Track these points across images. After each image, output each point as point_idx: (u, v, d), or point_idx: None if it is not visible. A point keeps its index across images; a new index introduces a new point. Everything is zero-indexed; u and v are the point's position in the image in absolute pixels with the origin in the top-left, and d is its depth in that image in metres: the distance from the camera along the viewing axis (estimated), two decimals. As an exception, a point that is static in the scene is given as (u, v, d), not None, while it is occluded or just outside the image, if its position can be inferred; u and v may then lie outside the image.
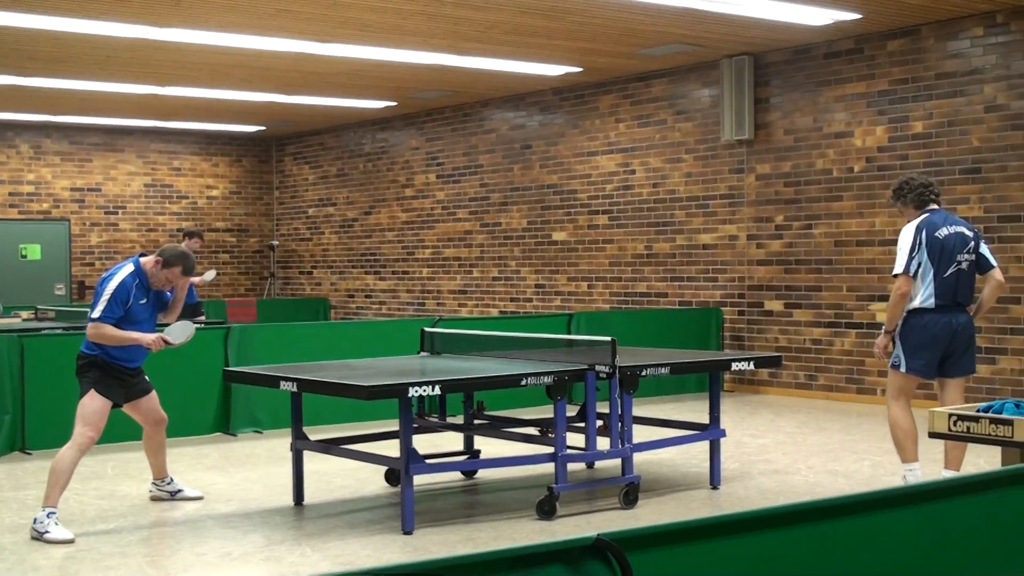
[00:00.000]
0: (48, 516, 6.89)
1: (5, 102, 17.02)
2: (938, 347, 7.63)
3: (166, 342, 7.20)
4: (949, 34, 11.98)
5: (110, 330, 7.10)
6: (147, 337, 7.18)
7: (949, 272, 7.58)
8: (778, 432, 10.85)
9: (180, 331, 7.28)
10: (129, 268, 7.24)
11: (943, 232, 7.64)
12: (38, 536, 6.85)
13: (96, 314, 7.06)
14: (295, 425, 7.70)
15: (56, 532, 6.84)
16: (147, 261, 7.31)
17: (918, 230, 7.65)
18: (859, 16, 11.70)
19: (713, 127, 14.23)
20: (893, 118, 12.48)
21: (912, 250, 7.59)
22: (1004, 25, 11.60)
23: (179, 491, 7.91)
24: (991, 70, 11.72)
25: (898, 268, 7.63)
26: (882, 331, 7.86)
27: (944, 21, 11.98)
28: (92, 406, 7.13)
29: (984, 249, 7.79)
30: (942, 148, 12.08)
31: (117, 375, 7.24)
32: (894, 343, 7.72)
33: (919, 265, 7.60)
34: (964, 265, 7.66)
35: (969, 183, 11.89)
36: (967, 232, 7.75)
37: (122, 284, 7.13)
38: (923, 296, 7.59)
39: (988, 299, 7.89)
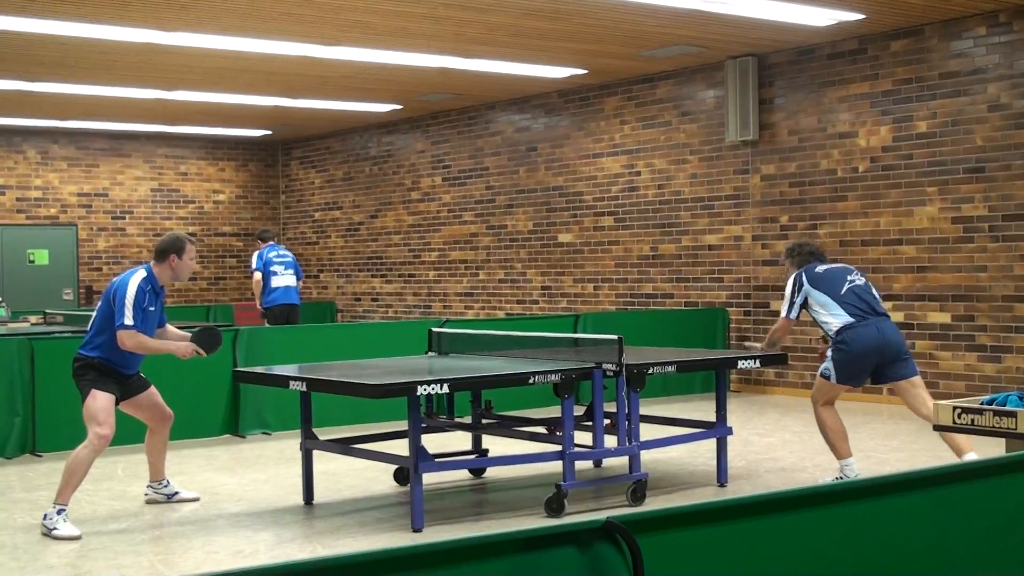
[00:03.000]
0: (58, 513, 6.95)
1: (12, 108, 17.10)
2: (868, 361, 8.12)
3: (198, 352, 7.23)
4: (952, 34, 12.02)
5: (145, 339, 7.14)
6: (181, 347, 7.24)
7: (845, 290, 8.17)
8: (785, 431, 10.89)
9: (210, 341, 7.33)
10: (142, 273, 7.26)
11: (820, 268, 8.38)
12: (47, 532, 6.92)
13: (128, 321, 7.02)
14: (304, 425, 7.75)
15: (64, 529, 6.91)
16: (154, 265, 7.36)
17: (796, 279, 8.37)
18: (862, 16, 11.74)
19: (718, 128, 14.27)
20: (897, 118, 12.51)
21: (793, 295, 8.35)
22: (1007, 24, 11.64)
23: (175, 493, 7.91)
24: (994, 69, 11.75)
25: (782, 312, 8.46)
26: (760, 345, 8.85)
27: (947, 21, 12.02)
28: (97, 404, 7.15)
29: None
30: (946, 147, 12.12)
31: (114, 376, 7.28)
32: (826, 357, 8.25)
33: (801, 307, 8.34)
34: (859, 281, 8.31)
35: (973, 182, 11.92)
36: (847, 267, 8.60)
37: (140, 289, 7.14)
38: (839, 318, 8.09)
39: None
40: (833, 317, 8.11)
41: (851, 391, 8.93)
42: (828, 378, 8.16)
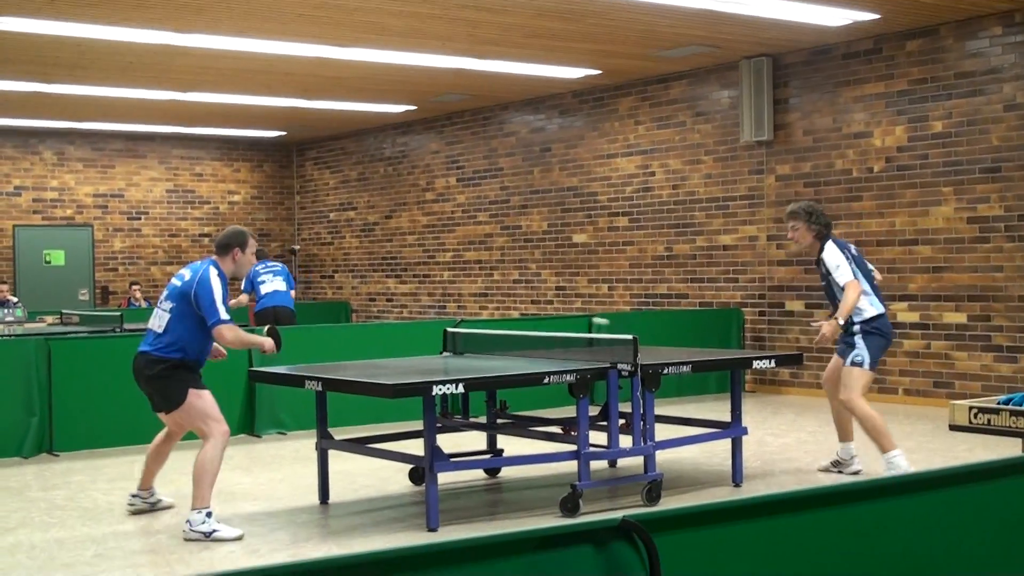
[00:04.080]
0: (208, 516, 6.83)
1: (29, 109, 17.17)
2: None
3: (275, 350, 7.30)
4: (968, 33, 11.99)
5: (242, 332, 7.21)
6: (266, 342, 7.26)
7: (871, 276, 8.35)
8: (800, 431, 10.88)
9: (278, 340, 7.36)
10: (213, 268, 7.14)
11: (852, 248, 8.43)
12: (203, 537, 6.78)
13: (224, 315, 6.95)
14: (320, 424, 7.76)
15: (224, 530, 6.85)
16: (220, 261, 7.26)
17: (841, 248, 8.27)
18: (877, 16, 11.72)
19: (732, 128, 14.26)
20: (912, 118, 12.49)
21: (848, 260, 8.19)
22: (1023, 24, 11.60)
23: (159, 501, 7.69)
24: (1010, 69, 11.72)
25: (848, 276, 8.11)
26: (834, 320, 8.16)
27: (962, 20, 11.99)
28: (205, 402, 7.06)
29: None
30: (962, 147, 12.09)
31: (197, 371, 7.19)
32: (855, 346, 8.10)
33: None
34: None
35: (989, 182, 11.89)
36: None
37: (222, 282, 7.09)
38: (874, 306, 8.16)
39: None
40: (870, 305, 8.11)
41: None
42: (862, 365, 8.07)
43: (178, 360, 7.02)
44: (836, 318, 8.10)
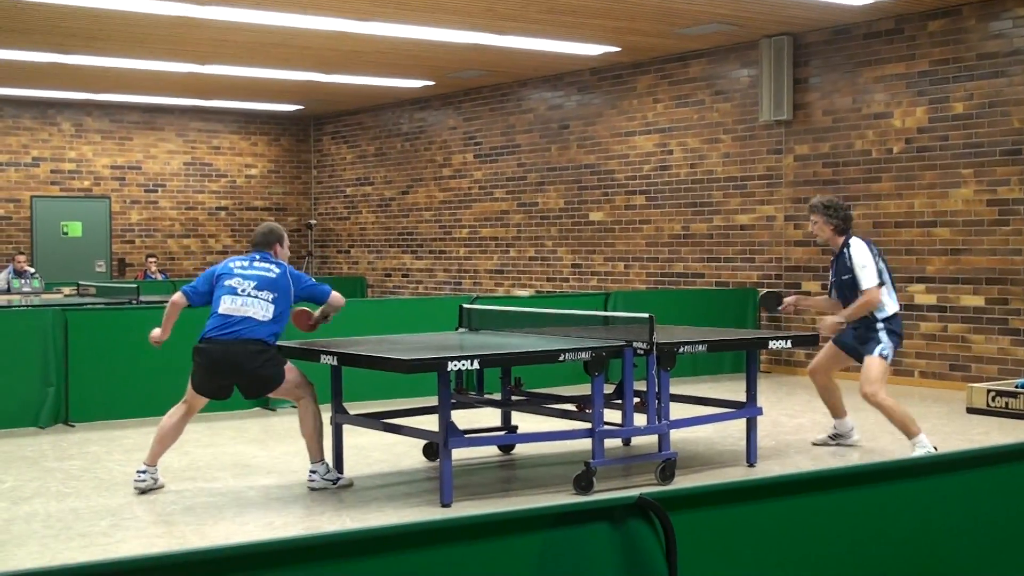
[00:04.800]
0: (325, 468, 7.42)
1: (47, 80, 17.19)
2: None
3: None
4: (990, 14, 11.90)
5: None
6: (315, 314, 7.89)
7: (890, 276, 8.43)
8: (815, 412, 10.84)
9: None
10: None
11: (874, 246, 8.49)
12: (330, 484, 7.42)
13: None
14: (334, 399, 7.77)
15: (342, 480, 7.51)
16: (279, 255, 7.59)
17: (869, 246, 8.35)
18: (900, -4, 11.64)
19: (751, 108, 14.20)
20: (933, 99, 12.41)
21: (876, 261, 8.27)
22: (1047, 5, 11.51)
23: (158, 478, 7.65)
24: (1033, 50, 11.63)
25: (873, 281, 8.18)
26: (838, 318, 8.36)
27: (985, 1, 11.89)
28: (292, 372, 7.37)
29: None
30: (983, 129, 12.01)
31: None
32: (880, 341, 8.20)
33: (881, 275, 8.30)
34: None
35: (1010, 164, 11.82)
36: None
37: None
38: (893, 304, 8.33)
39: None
40: (889, 300, 8.25)
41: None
42: (887, 359, 8.21)
43: (275, 344, 7.35)
44: (839, 317, 8.30)
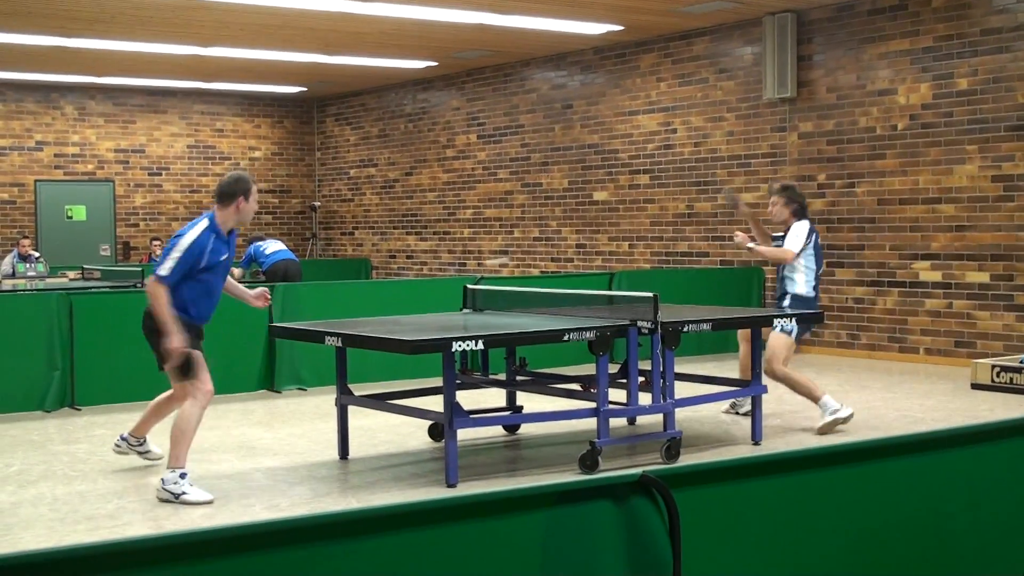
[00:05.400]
0: (181, 477, 6.70)
1: (50, 63, 17.17)
2: None
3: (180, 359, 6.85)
4: (995, -11, 11.85)
5: (162, 299, 6.69)
6: (175, 335, 6.75)
7: (821, 271, 9.03)
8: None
9: (187, 366, 6.88)
10: (199, 226, 6.83)
11: (818, 239, 8.99)
12: (172, 498, 6.64)
13: (160, 271, 6.69)
14: (340, 380, 7.78)
15: (195, 494, 6.70)
16: (217, 210, 6.90)
17: (810, 231, 8.85)
18: (904, -28, 11.58)
19: (755, 85, 14.16)
20: (937, 75, 12.37)
21: (806, 241, 8.76)
22: (1051, -20, 11.46)
23: (148, 451, 7.64)
24: (1038, 26, 11.58)
25: (795, 248, 8.72)
26: (753, 246, 8.92)
27: (990, -24, 11.85)
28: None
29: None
30: (987, 105, 11.97)
31: (187, 325, 6.88)
32: (789, 318, 8.54)
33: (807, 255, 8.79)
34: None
35: (1014, 140, 11.78)
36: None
37: (195, 243, 6.74)
38: (808, 290, 8.80)
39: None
40: (805, 284, 8.73)
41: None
42: (791, 334, 8.63)
43: (180, 316, 6.77)
44: (752, 244, 8.88)
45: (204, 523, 6.32)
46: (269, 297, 7.41)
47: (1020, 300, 11.81)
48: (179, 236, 6.80)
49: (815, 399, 8.58)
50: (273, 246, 14.27)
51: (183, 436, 6.76)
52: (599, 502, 2.50)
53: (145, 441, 7.66)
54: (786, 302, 8.78)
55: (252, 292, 7.35)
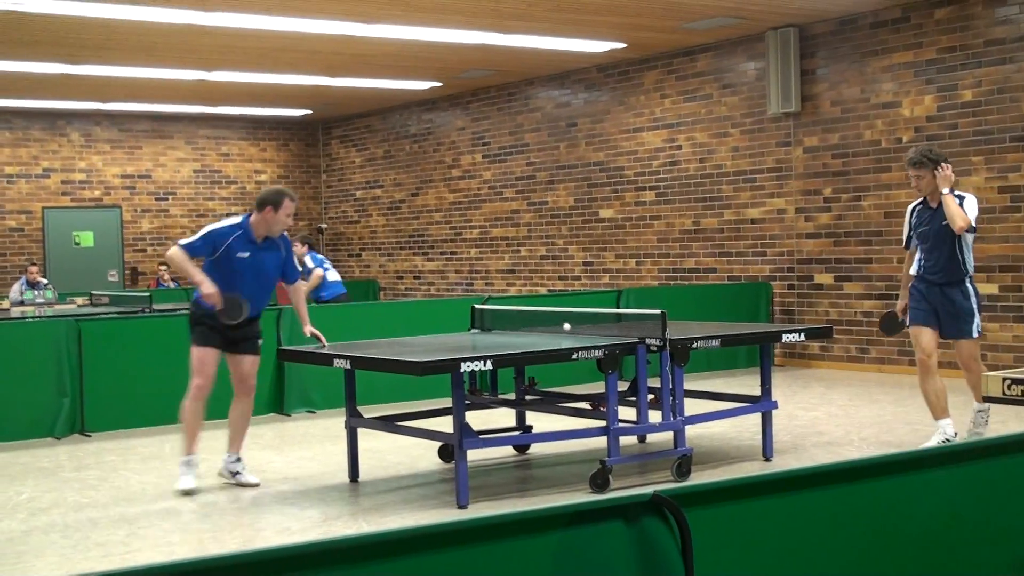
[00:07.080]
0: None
1: (55, 90, 17.23)
2: None
3: (217, 305, 7.38)
4: (997, 0, 11.85)
5: (184, 256, 7.46)
6: (207, 286, 7.33)
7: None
8: (830, 405, 10.83)
9: (231, 306, 7.38)
10: (229, 220, 7.70)
11: None
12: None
13: (184, 240, 7.58)
14: (349, 402, 7.78)
15: (183, 481, 7.41)
16: (255, 216, 7.62)
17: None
18: (906, -15, 11.59)
19: (759, 100, 14.17)
20: (942, 87, 12.37)
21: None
22: (1054, -10, 11.46)
23: (238, 473, 7.83)
24: (1041, 36, 11.58)
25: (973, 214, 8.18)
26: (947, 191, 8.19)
27: (992, -12, 11.86)
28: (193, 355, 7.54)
29: None
30: (992, 116, 11.97)
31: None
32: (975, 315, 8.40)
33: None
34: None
35: (1020, 151, 11.77)
36: None
37: (215, 230, 7.57)
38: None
39: None
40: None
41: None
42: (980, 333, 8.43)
43: (193, 309, 7.58)
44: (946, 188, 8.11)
45: (215, 550, 6.31)
46: (323, 340, 7.72)
47: (1029, 311, 11.77)
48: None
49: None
50: (333, 275, 14.33)
51: (183, 429, 7.50)
52: (611, 522, 2.49)
53: (239, 459, 7.84)
54: (968, 284, 8.35)
55: (309, 327, 7.79)
